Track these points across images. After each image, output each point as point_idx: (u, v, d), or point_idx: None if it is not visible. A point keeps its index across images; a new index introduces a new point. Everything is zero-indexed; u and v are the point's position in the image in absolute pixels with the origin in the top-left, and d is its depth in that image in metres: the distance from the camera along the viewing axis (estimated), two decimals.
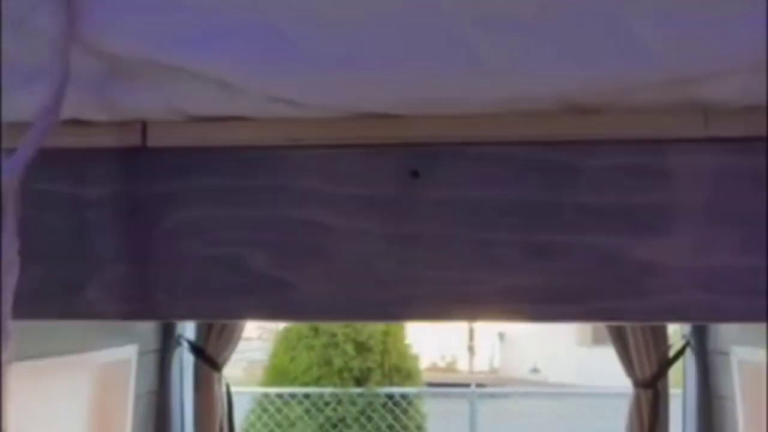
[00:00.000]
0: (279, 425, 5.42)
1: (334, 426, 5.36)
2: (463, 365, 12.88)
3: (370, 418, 5.36)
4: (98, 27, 0.74)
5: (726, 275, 0.74)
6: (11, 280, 0.67)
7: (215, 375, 2.46)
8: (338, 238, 0.77)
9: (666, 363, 2.49)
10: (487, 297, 0.77)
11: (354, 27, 0.73)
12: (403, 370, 5.54)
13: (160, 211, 0.79)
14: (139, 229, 0.79)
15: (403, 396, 5.42)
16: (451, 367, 12.65)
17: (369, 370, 5.34)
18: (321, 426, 5.37)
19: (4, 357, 0.65)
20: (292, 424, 5.40)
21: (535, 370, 11.51)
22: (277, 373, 5.63)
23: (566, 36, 0.72)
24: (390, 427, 5.35)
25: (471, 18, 0.71)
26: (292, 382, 5.49)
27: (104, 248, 0.79)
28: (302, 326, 5.34)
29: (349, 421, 5.36)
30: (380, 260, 0.77)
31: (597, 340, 9.44)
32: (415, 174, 0.77)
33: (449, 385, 7.94)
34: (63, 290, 0.79)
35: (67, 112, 0.78)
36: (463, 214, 0.77)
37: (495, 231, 0.76)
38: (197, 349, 2.46)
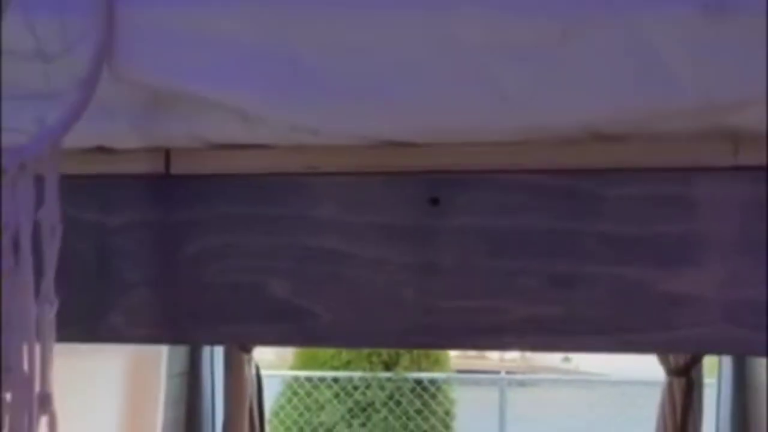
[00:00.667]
0: (308, 408, 5.48)
1: (363, 410, 5.41)
2: (493, 352, 12.82)
3: (398, 403, 5.39)
4: (127, 58, 0.74)
5: (754, 308, 0.72)
6: (55, 246, 0.69)
7: (245, 357, 2.49)
8: (358, 266, 0.77)
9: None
10: (509, 326, 0.76)
11: (375, 56, 0.72)
12: (431, 356, 5.55)
13: (183, 237, 0.80)
14: (163, 255, 0.80)
15: (432, 381, 5.44)
16: (481, 354, 12.60)
17: (398, 354, 5.35)
18: (350, 410, 5.41)
19: (48, 321, 0.68)
20: (321, 407, 5.46)
21: (566, 359, 11.42)
22: (306, 357, 5.69)
23: (591, 64, 0.70)
24: (418, 411, 5.37)
25: (493, 47, 0.70)
26: (321, 366, 5.54)
27: (128, 273, 0.80)
28: None
29: (377, 405, 5.40)
30: (400, 288, 0.77)
31: None
32: (434, 201, 0.76)
33: (479, 372, 7.92)
34: (87, 314, 0.81)
35: (93, 139, 0.79)
36: (484, 242, 0.76)
37: (517, 260, 0.75)
38: None
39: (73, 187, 0.72)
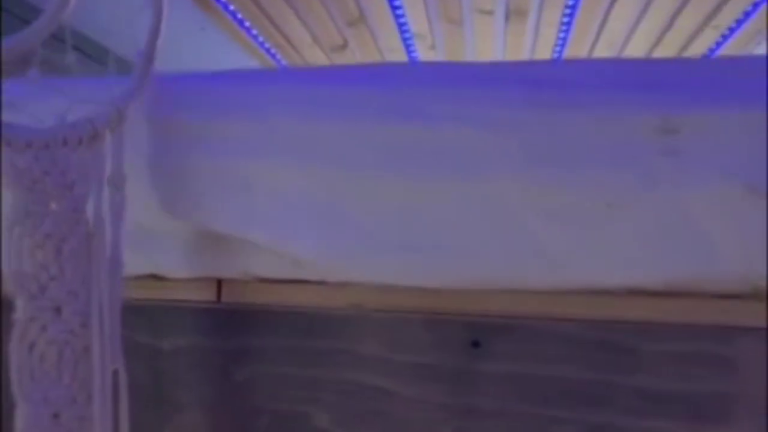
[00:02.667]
0: None
1: None
2: None
3: None
4: (183, 201, 0.79)
5: None
6: (122, 212, 0.75)
7: None
8: (398, 404, 0.80)
9: None
10: None
11: (420, 212, 0.75)
12: None
13: (231, 365, 0.83)
14: (212, 381, 0.84)
15: None
16: None
17: None
18: None
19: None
20: None
21: None
22: None
23: (633, 232, 0.71)
24: None
25: (537, 211, 0.72)
26: None
27: (180, 396, 0.84)
28: None
29: None
30: (438, 427, 0.79)
31: None
32: (475, 345, 0.79)
33: None
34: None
35: (146, 267, 0.84)
36: (522, 388, 0.78)
37: (553, 408, 0.77)
38: None
39: (128, 310, 0.76)
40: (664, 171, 0.70)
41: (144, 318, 0.85)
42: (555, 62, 0.86)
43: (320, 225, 0.76)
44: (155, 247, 0.81)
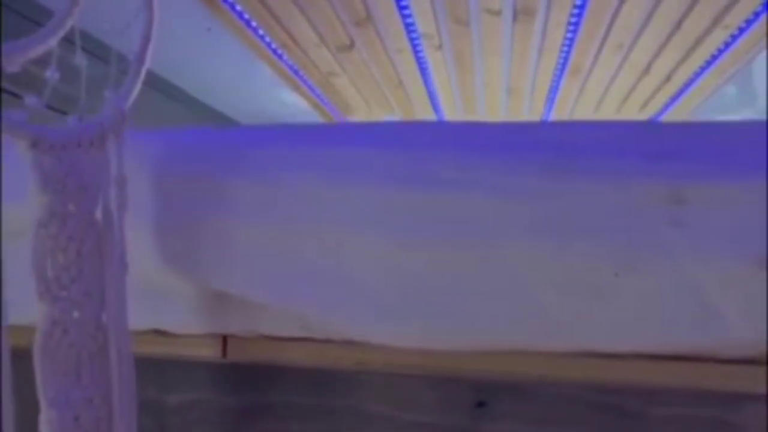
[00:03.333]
0: None
1: None
2: None
3: None
4: (192, 261, 0.79)
5: None
6: (124, 211, 0.76)
7: None
8: None
9: None
10: None
11: (427, 277, 0.74)
12: None
13: (237, 421, 0.84)
14: None
15: None
16: None
17: None
18: None
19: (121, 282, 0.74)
20: None
21: None
22: None
23: (641, 301, 0.71)
24: None
25: (544, 277, 0.72)
26: None
27: None
28: None
29: None
30: None
31: None
32: (480, 405, 0.79)
33: None
34: None
35: (154, 323, 0.84)
36: None
37: None
38: None
39: (137, 366, 0.76)
40: (672, 242, 0.69)
41: (150, 373, 0.85)
42: (564, 126, 0.85)
43: (327, 287, 0.76)
44: (161, 302, 0.82)
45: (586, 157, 0.73)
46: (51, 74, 0.77)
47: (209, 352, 0.84)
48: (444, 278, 0.74)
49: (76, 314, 0.74)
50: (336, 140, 0.82)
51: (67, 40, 0.82)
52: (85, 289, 0.74)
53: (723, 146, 0.74)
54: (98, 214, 0.75)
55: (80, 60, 0.82)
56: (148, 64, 0.86)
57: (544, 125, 0.82)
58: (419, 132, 0.83)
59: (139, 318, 0.78)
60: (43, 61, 0.77)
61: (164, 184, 0.82)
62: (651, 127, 0.84)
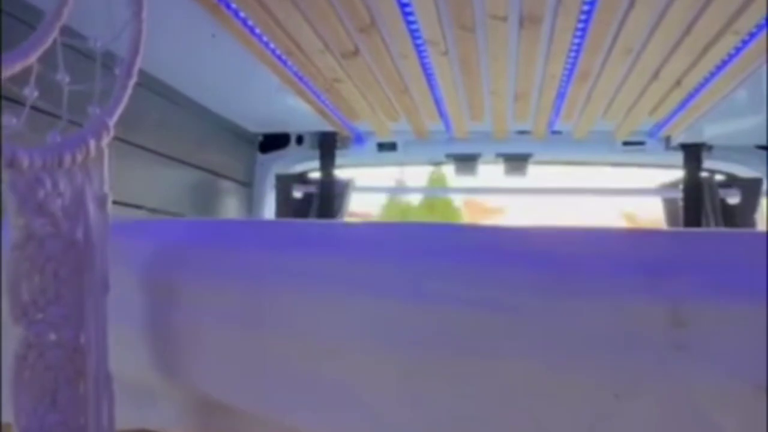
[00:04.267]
0: None
1: None
2: None
3: None
4: (182, 368, 0.77)
5: None
6: (106, 227, 0.75)
7: None
8: None
9: None
10: None
11: (423, 392, 0.73)
12: None
13: None
14: None
15: None
16: None
17: None
18: None
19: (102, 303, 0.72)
20: None
21: None
22: None
23: (642, 423, 0.70)
24: None
25: (542, 395, 0.71)
26: None
27: None
28: None
29: None
30: None
31: None
32: None
33: None
34: None
35: (140, 423, 0.83)
36: None
37: None
38: None
39: None
40: (673, 364, 0.68)
41: None
42: (559, 235, 0.83)
43: (317, 399, 0.74)
44: (147, 403, 0.80)
45: (582, 273, 0.72)
46: (30, 92, 0.75)
47: None
48: (439, 392, 0.72)
49: (53, 337, 0.72)
50: (331, 248, 0.80)
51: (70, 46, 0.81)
52: (63, 311, 0.72)
53: (723, 260, 0.72)
54: (79, 233, 0.73)
55: (62, 76, 0.80)
56: (135, 77, 0.84)
57: (538, 234, 0.81)
58: (411, 236, 0.81)
59: (126, 418, 0.76)
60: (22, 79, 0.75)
61: (154, 288, 0.80)
62: (649, 237, 0.82)
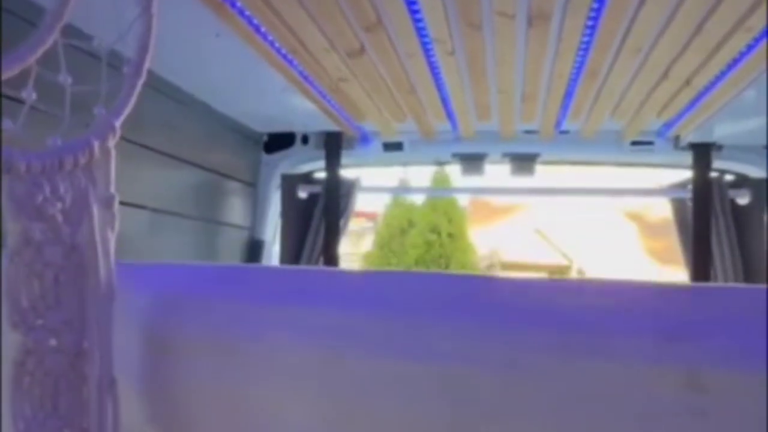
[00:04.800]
0: None
1: None
2: None
3: None
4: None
5: None
6: (113, 228, 0.73)
7: None
8: None
9: None
10: None
11: None
12: None
13: None
14: None
15: None
16: None
17: None
18: None
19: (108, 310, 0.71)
20: None
21: None
22: None
23: None
24: None
25: None
26: None
27: None
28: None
29: None
30: None
31: None
32: None
33: None
34: None
35: None
36: None
37: None
38: None
39: None
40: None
41: None
42: (569, 289, 0.80)
43: None
44: None
45: (594, 334, 0.68)
46: (28, 94, 0.73)
47: None
48: None
49: (53, 342, 0.70)
50: (335, 302, 0.77)
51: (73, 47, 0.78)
52: (63, 316, 0.70)
53: (740, 320, 0.69)
54: (81, 238, 0.71)
55: (65, 77, 0.78)
56: (144, 76, 0.81)
57: (548, 287, 0.78)
58: (420, 292, 0.78)
59: None
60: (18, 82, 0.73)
61: (153, 340, 0.78)
62: (668, 294, 0.78)
